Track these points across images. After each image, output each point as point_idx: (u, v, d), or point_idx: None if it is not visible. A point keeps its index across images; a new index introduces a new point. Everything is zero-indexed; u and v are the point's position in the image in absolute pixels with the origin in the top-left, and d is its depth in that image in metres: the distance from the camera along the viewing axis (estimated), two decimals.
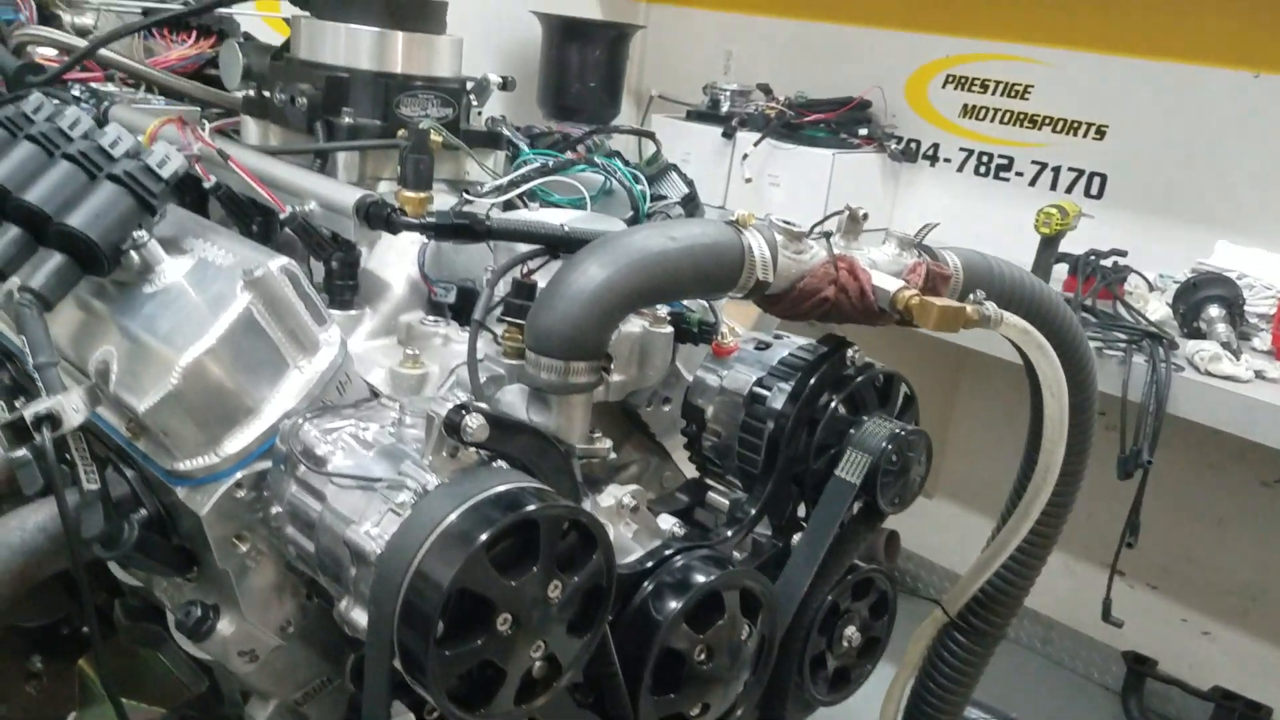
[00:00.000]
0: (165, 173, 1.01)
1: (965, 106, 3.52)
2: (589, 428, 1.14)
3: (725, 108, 3.80)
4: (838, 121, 3.60)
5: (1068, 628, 3.39)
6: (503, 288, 1.04)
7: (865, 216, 1.14)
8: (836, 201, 3.49)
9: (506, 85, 1.39)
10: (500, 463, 0.89)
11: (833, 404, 1.15)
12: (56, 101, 1.22)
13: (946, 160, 3.61)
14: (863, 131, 3.63)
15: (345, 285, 1.11)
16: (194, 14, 1.51)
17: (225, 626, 1.03)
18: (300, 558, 0.97)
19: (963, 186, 3.57)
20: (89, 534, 0.92)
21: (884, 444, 1.13)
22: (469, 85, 1.34)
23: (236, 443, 0.96)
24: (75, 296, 1.03)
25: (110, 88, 1.66)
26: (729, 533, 1.13)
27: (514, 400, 1.02)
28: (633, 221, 1.21)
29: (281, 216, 1.06)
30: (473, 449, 0.86)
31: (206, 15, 2.33)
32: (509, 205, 1.28)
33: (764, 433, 1.15)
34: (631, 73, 4.20)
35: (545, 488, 0.87)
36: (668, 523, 1.18)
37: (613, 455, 1.23)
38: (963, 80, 3.52)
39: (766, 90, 3.79)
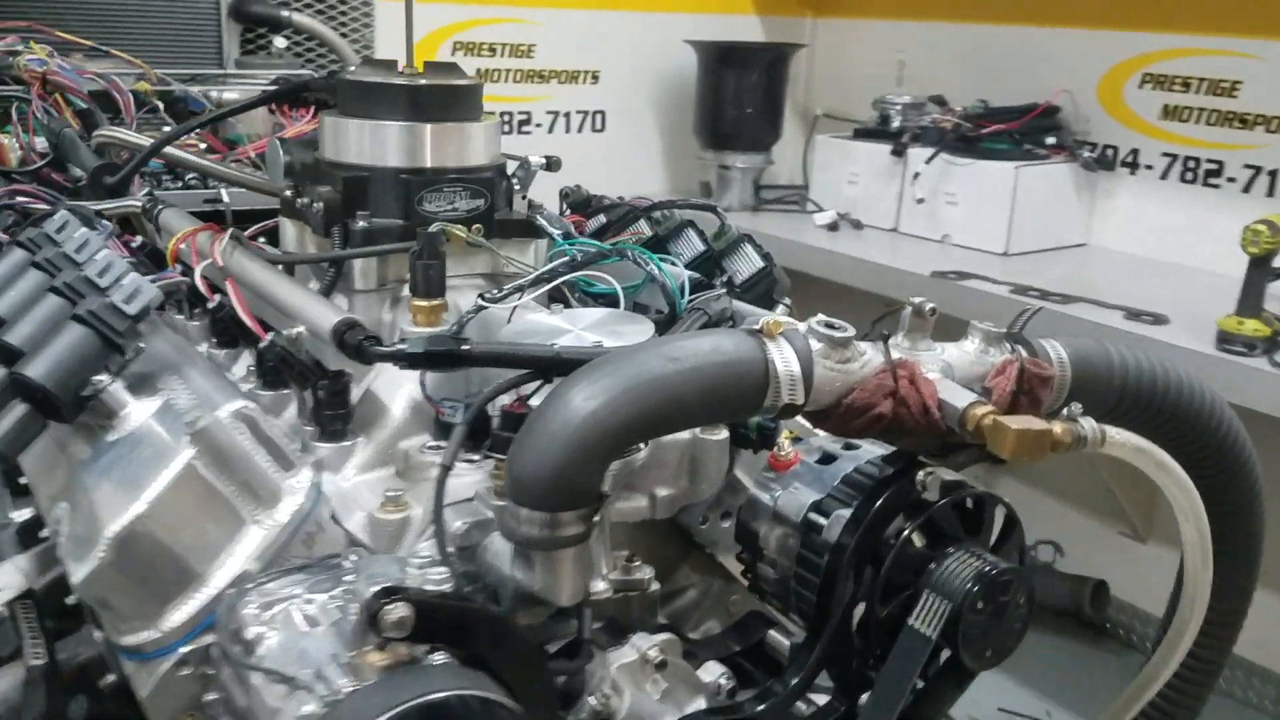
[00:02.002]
0: (133, 309, 0.93)
1: (1166, 107, 3.15)
2: (610, 564, 0.99)
3: (896, 123, 3.56)
4: (1021, 131, 3.29)
5: None
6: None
7: (934, 312, 0.93)
8: (1022, 220, 3.20)
9: (550, 166, 1.26)
10: (439, 657, 0.75)
11: (903, 534, 0.95)
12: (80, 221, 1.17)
13: (1148, 167, 3.25)
14: (1050, 140, 3.31)
15: (335, 415, 1.00)
16: (229, 115, 1.46)
17: None
18: None
19: (1167, 195, 3.20)
20: (30, 716, 0.84)
21: (968, 586, 0.92)
22: (511, 169, 1.22)
23: (180, 614, 0.85)
24: (52, 438, 0.97)
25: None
26: (776, 692, 0.95)
27: (502, 550, 0.88)
28: (670, 320, 1.04)
29: (260, 346, 0.97)
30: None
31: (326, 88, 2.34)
32: (555, 295, 1.15)
33: (820, 568, 0.96)
34: (796, 92, 4.01)
35: (493, 697, 0.72)
36: (713, 673, 1.01)
37: (655, 586, 1.07)
38: (1162, 79, 3.15)
39: (941, 102, 3.52)
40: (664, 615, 1.15)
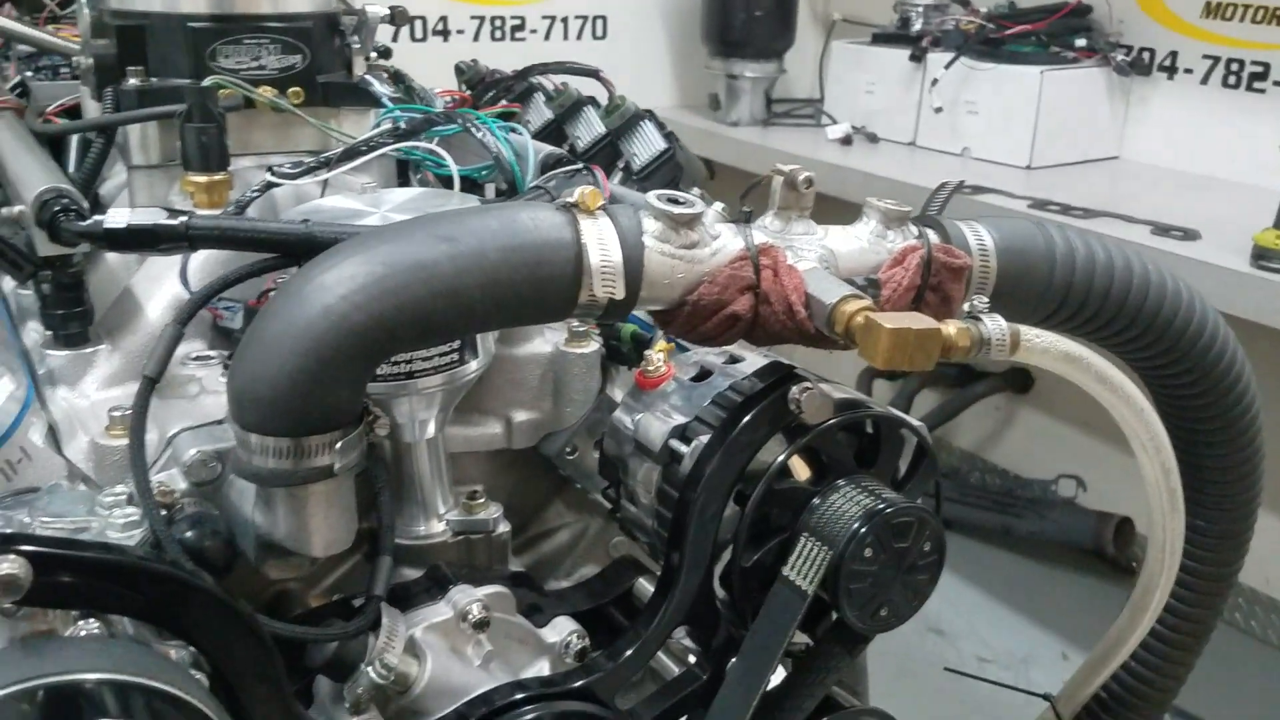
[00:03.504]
0: None
1: (1208, 5, 2.86)
2: (448, 501, 0.82)
3: (917, 26, 3.29)
4: (1048, 32, 3.01)
5: None
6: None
7: (809, 182, 0.73)
8: (1048, 130, 2.93)
9: (395, 19, 1.05)
10: (92, 624, 0.58)
11: (774, 464, 0.75)
12: None
13: (1187, 71, 2.95)
14: (1080, 43, 3.02)
15: (69, 315, 0.82)
16: None
17: None
18: None
19: (1208, 101, 2.91)
20: None
21: (854, 528, 0.73)
22: (342, 21, 1.01)
23: None
24: None
25: None
26: (618, 658, 0.77)
27: (246, 488, 0.70)
28: (506, 197, 0.85)
29: None
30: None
31: None
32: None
33: (675, 504, 0.78)
34: None
35: (144, 682, 0.54)
36: (561, 632, 0.83)
37: (505, 527, 0.89)
38: None
39: (964, 2, 3.24)
40: (529, 562, 0.98)
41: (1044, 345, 0.68)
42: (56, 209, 0.72)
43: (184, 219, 0.69)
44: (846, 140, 3.30)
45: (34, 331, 0.91)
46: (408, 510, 0.86)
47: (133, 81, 0.92)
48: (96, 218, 0.70)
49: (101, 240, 0.71)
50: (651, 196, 0.70)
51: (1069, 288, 0.80)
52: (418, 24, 3.28)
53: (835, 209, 2.78)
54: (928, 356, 0.64)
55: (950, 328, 0.65)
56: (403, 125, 0.88)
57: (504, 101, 1.15)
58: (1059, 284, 0.79)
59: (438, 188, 0.92)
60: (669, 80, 3.81)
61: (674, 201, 0.70)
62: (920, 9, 3.30)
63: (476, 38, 3.42)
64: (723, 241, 0.70)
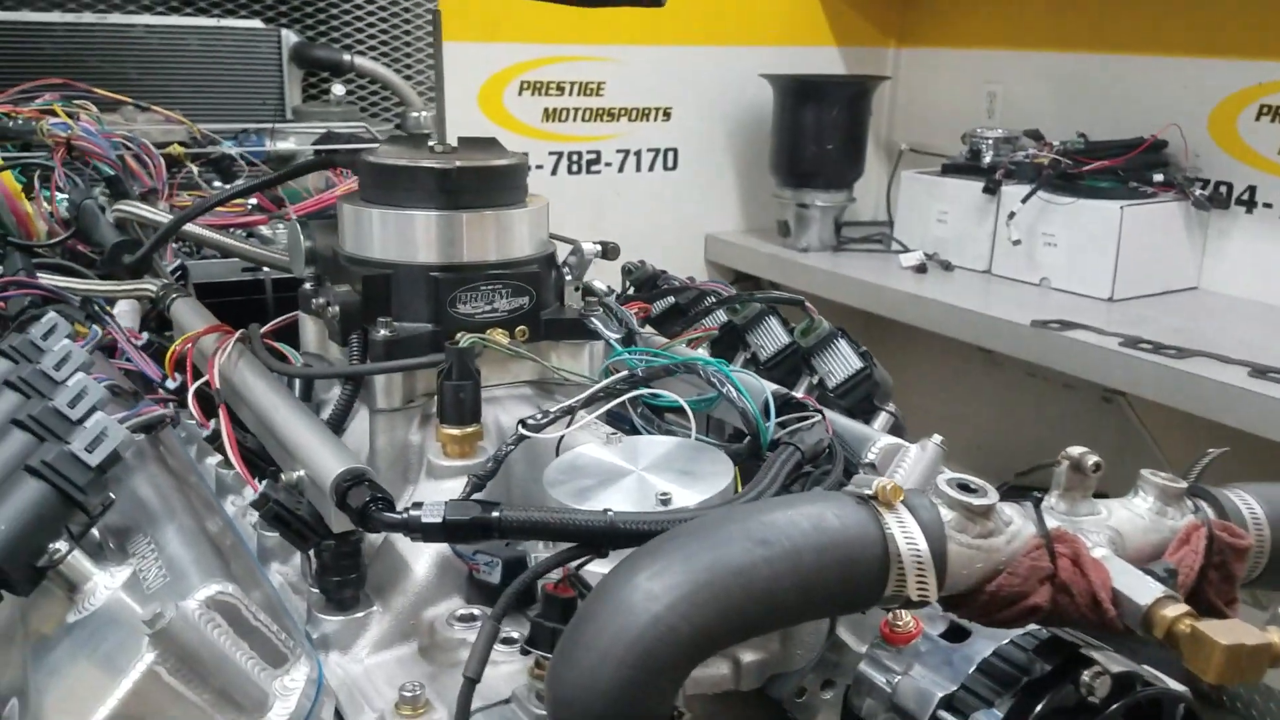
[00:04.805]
0: (95, 458, 0.76)
1: None
2: None
3: (988, 158, 3.33)
4: (1125, 168, 3.04)
5: None
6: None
7: (1098, 467, 0.73)
8: (1129, 263, 2.94)
9: (607, 254, 1.07)
10: None
11: None
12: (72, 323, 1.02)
13: (1267, 205, 2.98)
14: (1158, 177, 3.05)
15: (343, 582, 0.82)
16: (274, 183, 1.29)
17: None
18: None
19: None
20: None
21: None
22: (562, 259, 1.03)
23: None
24: (11, 606, 0.81)
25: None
26: None
27: None
28: (754, 453, 0.85)
29: (250, 500, 0.79)
30: None
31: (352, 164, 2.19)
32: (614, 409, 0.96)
33: None
34: (879, 125, 3.80)
35: None
36: None
37: None
38: None
39: (1037, 136, 3.28)
40: None
41: None
42: (367, 499, 0.73)
43: (497, 513, 0.69)
44: (921, 268, 3.31)
45: (277, 574, 0.91)
46: None
47: (383, 333, 0.93)
48: (412, 513, 0.70)
49: (415, 534, 0.71)
50: (943, 483, 0.70)
51: None
52: None
53: (913, 339, 2.79)
54: (1259, 670, 0.63)
55: (1276, 635, 0.64)
56: (640, 372, 0.89)
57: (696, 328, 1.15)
58: None
59: (682, 430, 0.92)
60: (736, 207, 3.87)
61: (965, 489, 0.70)
62: (990, 141, 3.34)
63: (554, 172, 3.49)
64: (1016, 528, 0.70)
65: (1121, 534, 0.73)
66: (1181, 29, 3.10)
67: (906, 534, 0.67)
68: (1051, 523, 0.72)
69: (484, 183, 0.99)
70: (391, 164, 0.99)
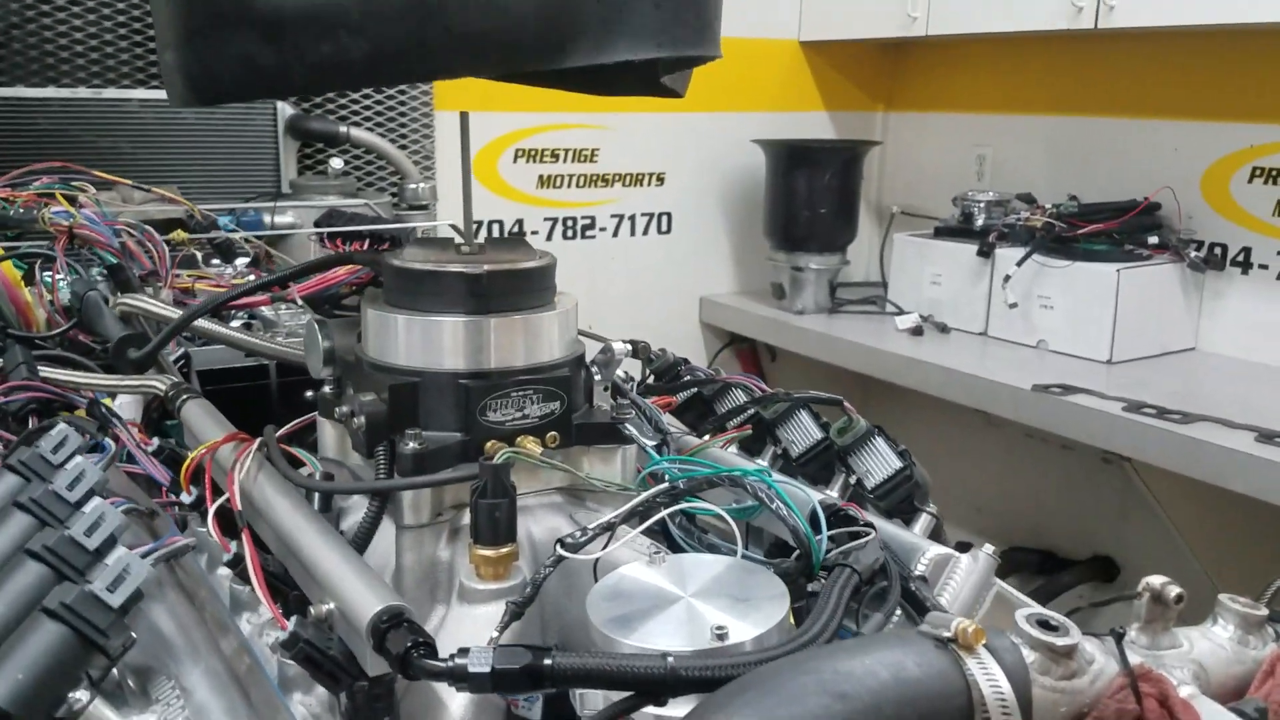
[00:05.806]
0: (118, 599, 0.73)
1: None
2: None
3: (980, 221, 3.34)
4: (1119, 230, 3.05)
5: None
6: None
7: (1180, 599, 0.70)
8: (1126, 325, 2.93)
9: (637, 352, 1.05)
10: None
11: None
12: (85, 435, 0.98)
13: (1262, 266, 3.00)
14: (1152, 240, 3.07)
15: None
16: (275, 282, 1.26)
17: None
18: None
19: None
20: None
21: None
22: (591, 359, 1.00)
23: None
24: None
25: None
26: None
27: None
28: (806, 569, 0.82)
29: (281, 638, 0.75)
30: None
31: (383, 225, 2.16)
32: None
33: None
34: (869, 189, 3.81)
35: None
36: None
37: None
38: (1275, 172, 2.91)
39: (1029, 199, 3.29)
40: None
41: None
42: (408, 644, 0.69)
43: (549, 660, 0.66)
44: (917, 330, 3.31)
45: (299, 704, 0.86)
46: None
47: (412, 445, 0.89)
48: (458, 660, 0.67)
49: (462, 684, 0.67)
50: (1023, 621, 0.67)
51: None
52: (494, 228, 3.34)
53: (910, 402, 2.75)
54: None
55: None
56: (680, 484, 0.86)
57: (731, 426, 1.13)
58: None
59: (726, 546, 0.88)
60: (731, 269, 3.87)
61: (1047, 626, 0.67)
62: (982, 204, 3.35)
63: (549, 237, 3.48)
64: (1099, 666, 0.67)
65: (1205, 667, 0.71)
66: (1172, 92, 3.14)
67: (991, 680, 0.64)
68: (1134, 659, 0.69)
69: (514, 286, 0.96)
70: (419, 269, 0.96)
